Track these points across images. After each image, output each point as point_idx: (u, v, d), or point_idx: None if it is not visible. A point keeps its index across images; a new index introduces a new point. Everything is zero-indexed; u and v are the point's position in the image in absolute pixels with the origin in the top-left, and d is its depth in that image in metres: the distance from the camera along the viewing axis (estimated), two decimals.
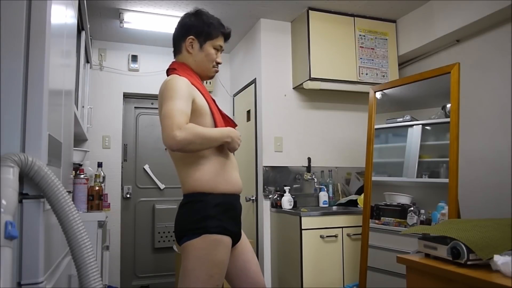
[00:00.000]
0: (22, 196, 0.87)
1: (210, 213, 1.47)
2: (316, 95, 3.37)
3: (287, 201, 3.02)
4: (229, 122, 1.63)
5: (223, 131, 1.52)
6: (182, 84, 1.49)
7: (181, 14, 3.31)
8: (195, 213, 1.50)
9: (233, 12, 3.18)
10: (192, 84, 1.54)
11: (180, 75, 1.54)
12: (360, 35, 3.28)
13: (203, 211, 1.48)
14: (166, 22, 3.25)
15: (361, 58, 3.26)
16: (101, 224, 2.16)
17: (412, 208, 2.31)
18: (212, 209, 1.48)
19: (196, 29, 1.60)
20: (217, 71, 1.69)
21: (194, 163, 1.52)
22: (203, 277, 1.44)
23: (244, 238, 1.67)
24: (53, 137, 1.02)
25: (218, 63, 1.67)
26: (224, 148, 1.57)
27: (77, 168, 2.37)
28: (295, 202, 3.06)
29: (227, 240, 1.49)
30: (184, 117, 1.40)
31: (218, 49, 1.65)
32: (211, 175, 1.51)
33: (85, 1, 2.28)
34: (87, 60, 3.23)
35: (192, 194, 1.52)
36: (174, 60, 1.68)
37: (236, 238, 1.58)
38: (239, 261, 1.61)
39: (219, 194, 1.51)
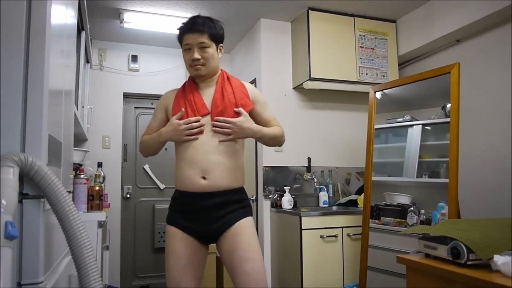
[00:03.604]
0: (22, 196, 0.86)
1: (169, 206, 1.71)
2: (316, 95, 3.37)
3: (287, 201, 3.01)
4: (200, 111, 1.65)
5: (158, 132, 1.70)
6: (160, 100, 1.79)
7: (181, 14, 3.29)
8: None
9: (233, 12, 3.18)
10: (178, 92, 1.71)
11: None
12: (360, 35, 3.28)
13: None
14: (166, 22, 3.24)
15: (361, 58, 3.25)
16: (101, 224, 2.16)
17: (412, 208, 2.31)
18: (171, 202, 1.71)
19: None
20: (197, 69, 1.65)
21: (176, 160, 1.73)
22: (167, 266, 1.61)
23: (238, 238, 1.58)
24: (53, 137, 1.02)
25: (194, 60, 1.63)
26: (186, 148, 1.64)
27: (77, 168, 2.37)
28: (295, 202, 3.05)
29: (175, 231, 1.62)
30: (145, 132, 1.78)
31: (190, 48, 1.63)
32: (175, 173, 1.70)
33: (85, 1, 2.28)
34: (87, 60, 3.23)
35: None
36: None
37: (200, 235, 1.61)
38: (235, 259, 1.55)
39: (176, 190, 1.70)
